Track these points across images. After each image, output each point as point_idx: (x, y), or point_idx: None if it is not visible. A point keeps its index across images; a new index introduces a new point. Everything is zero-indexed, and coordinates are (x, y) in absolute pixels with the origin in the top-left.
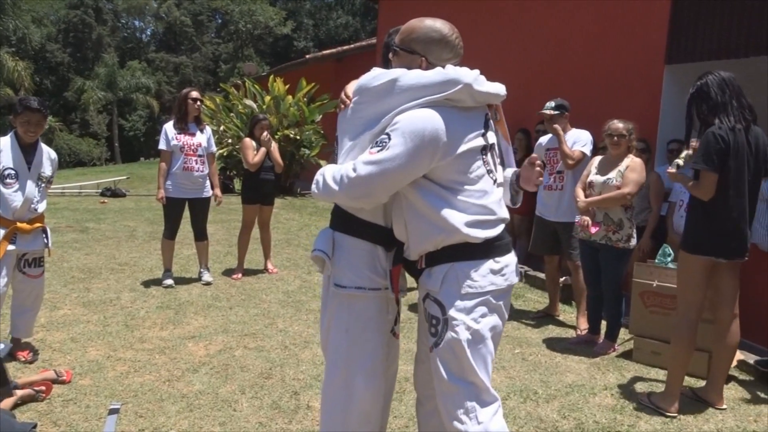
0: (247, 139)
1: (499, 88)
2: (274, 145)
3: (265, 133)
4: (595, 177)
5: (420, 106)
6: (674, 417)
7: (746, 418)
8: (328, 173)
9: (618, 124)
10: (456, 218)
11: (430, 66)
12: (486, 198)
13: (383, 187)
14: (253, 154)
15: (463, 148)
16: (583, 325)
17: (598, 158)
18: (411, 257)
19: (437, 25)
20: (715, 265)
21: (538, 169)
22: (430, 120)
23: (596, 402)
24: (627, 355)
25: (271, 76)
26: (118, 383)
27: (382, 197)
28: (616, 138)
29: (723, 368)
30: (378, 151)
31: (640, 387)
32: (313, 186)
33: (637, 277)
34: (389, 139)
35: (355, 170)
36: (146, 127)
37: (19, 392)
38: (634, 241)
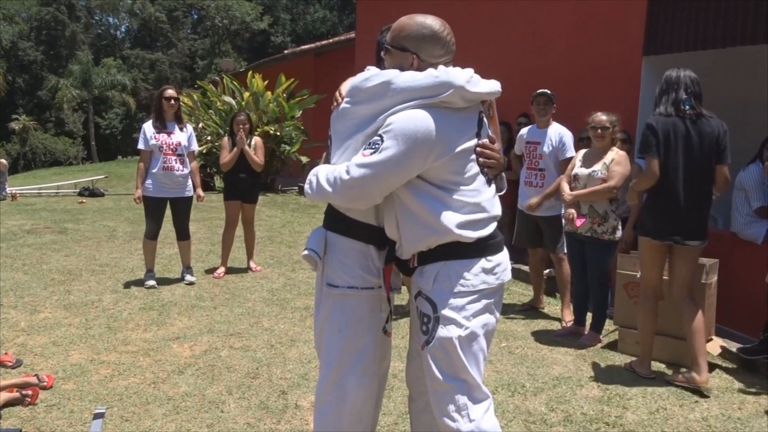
0: (225, 139)
1: (493, 86)
2: (257, 143)
3: (239, 134)
4: (580, 170)
5: (413, 107)
6: (652, 378)
7: (731, 406)
8: (321, 174)
9: (602, 117)
10: (449, 219)
11: (422, 64)
12: (479, 197)
13: (377, 190)
14: (226, 153)
15: (456, 149)
16: (568, 317)
17: (582, 151)
18: (403, 256)
19: (428, 21)
20: (671, 248)
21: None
22: (422, 122)
23: (583, 394)
24: (612, 346)
25: (250, 72)
26: (103, 387)
27: (376, 199)
28: (599, 130)
29: (698, 349)
30: (371, 154)
31: (626, 378)
32: (306, 186)
33: (620, 269)
34: (382, 141)
35: (348, 173)
36: (123, 125)
37: (5, 394)
38: (619, 233)
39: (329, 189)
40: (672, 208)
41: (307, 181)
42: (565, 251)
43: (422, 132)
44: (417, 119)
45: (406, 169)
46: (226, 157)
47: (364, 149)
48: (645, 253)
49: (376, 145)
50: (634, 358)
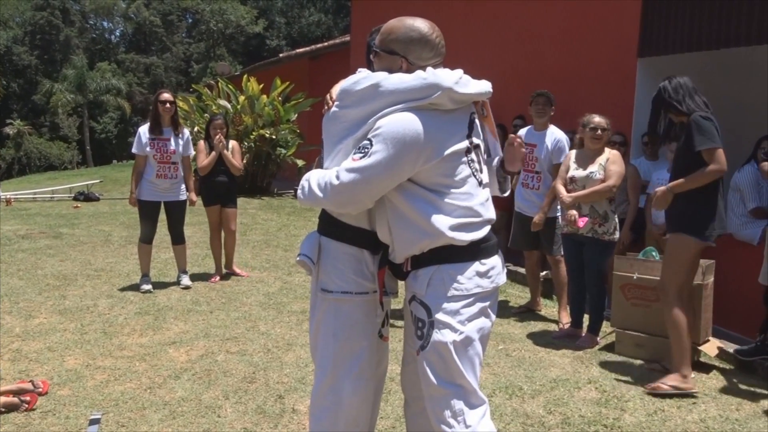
0: (201, 143)
1: (483, 87)
2: (234, 146)
3: (218, 137)
4: (576, 172)
5: (401, 110)
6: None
7: (728, 407)
8: (313, 179)
9: (600, 119)
10: (441, 222)
11: (410, 66)
12: (471, 200)
13: (367, 194)
14: (203, 157)
15: (446, 151)
16: (565, 319)
17: (573, 153)
18: (396, 260)
19: (417, 24)
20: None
21: (518, 146)
22: (411, 125)
23: (581, 396)
24: (609, 348)
25: (245, 76)
26: (98, 392)
27: (367, 203)
28: (599, 132)
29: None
30: (360, 158)
31: (623, 379)
32: (299, 191)
33: (617, 270)
34: (371, 145)
35: (338, 178)
36: (118, 129)
37: (2, 399)
38: (617, 234)
39: (320, 194)
40: (719, 208)
41: (300, 186)
42: (562, 253)
43: (411, 135)
44: (405, 122)
45: (396, 173)
46: (204, 160)
47: (354, 153)
48: (691, 258)
49: (366, 149)
50: (630, 359)
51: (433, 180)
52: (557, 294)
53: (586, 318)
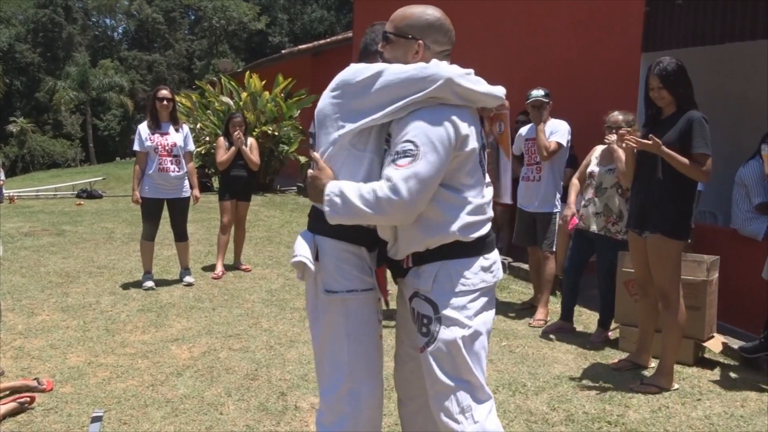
0: (221, 138)
1: (493, 90)
2: (252, 143)
3: (237, 133)
4: (595, 167)
5: (423, 105)
6: (674, 390)
7: (733, 403)
8: (351, 194)
9: (618, 117)
10: (454, 221)
11: (426, 51)
12: (482, 198)
13: (425, 200)
14: (223, 153)
15: (468, 147)
16: (541, 315)
17: (599, 148)
18: (397, 257)
19: (429, 9)
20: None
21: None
22: (448, 120)
23: (584, 392)
24: (613, 344)
25: (247, 73)
26: (101, 390)
27: (421, 210)
28: (615, 130)
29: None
30: (410, 162)
31: (627, 376)
32: (328, 208)
33: (621, 266)
34: (416, 147)
35: (396, 192)
36: (121, 127)
37: (4, 407)
38: None
39: (370, 210)
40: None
41: (326, 202)
42: (554, 249)
43: (451, 131)
44: (442, 118)
45: (444, 171)
46: (224, 156)
47: (399, 159)
48: (678, 258)
49: (412, 153)
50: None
51: (452, 177)
52: (540, 289)
53: (585, 314)
